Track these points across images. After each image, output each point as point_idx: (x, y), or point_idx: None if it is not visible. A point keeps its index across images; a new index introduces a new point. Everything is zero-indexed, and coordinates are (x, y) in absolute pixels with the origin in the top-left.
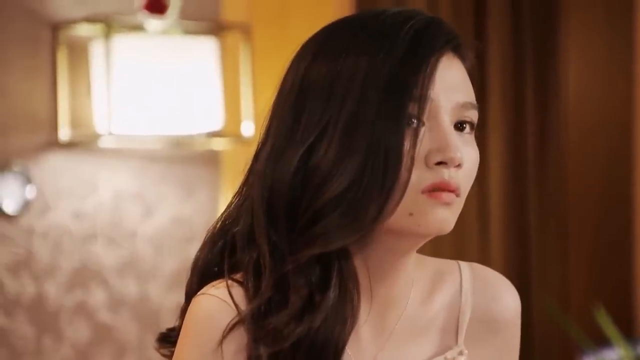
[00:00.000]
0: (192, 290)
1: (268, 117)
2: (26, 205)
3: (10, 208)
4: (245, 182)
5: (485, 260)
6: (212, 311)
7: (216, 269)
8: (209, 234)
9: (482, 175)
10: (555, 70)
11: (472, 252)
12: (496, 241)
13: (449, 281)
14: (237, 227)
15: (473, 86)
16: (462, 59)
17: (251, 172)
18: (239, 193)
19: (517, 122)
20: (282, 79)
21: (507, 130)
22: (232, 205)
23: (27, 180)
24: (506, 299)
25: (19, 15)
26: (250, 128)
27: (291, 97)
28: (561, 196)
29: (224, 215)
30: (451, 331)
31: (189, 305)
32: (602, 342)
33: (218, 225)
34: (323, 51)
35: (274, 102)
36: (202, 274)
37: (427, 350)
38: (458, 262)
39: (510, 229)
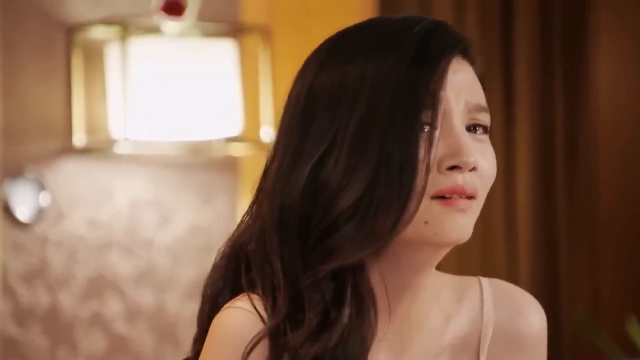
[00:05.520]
0: (204, 318)
1: (277, 132)
2: (40, 213)
3: (23, 216)
4: (256, 200)
5: (513, 271)
6: (239, 323)
7: (229, 294)
8: (220, 255)
9: (509, 184)
10: (585, 73)
11: (499, 263)
12: (524, 251)
13: (470, 298)
14: (250, 246)
15: (493, 90)
16: (471, 62)
17: (261, 189)
18: (249, 212)
19: (545, 127)
20: (289, 92)
21: (535, 136)
22: (244, 225)
23: (41, 187)
24: (531, 315)
25: (33, 17)
26: (269, 133)
27: (298, 110)
28: (591, 205)
29: (235, 235)
30: (472, 349)
31: (201, 333)
32: (634, 354)
33: (229, 245)
34: (328, 61)
35: (281, 117)
36: (214, 301)
37: None
38: (479, 278)
39: (539, 239)
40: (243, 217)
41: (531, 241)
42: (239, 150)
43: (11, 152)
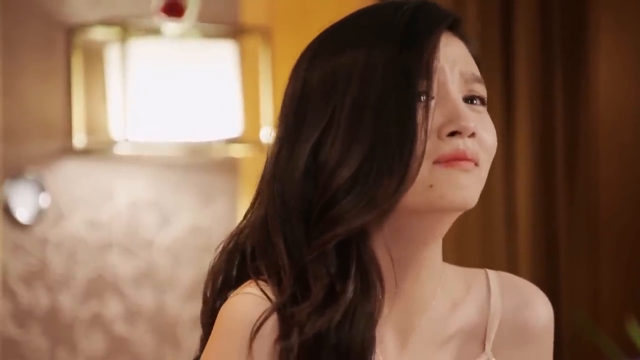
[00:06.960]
0: (209, 296)
1: (276, 125)
2: (40, 214)
3: (23, 217)
4: (259, 193)
5: (512, 271)
6: (249, 307)
7: (235, 276)
8: (221, 249)
9: (509, 182)
10: (585, 73)
11: (499, 262)
12: (524, 250)
13: (477, 288)
14: (252, 237)
15: (493, 90)
16: (463, 39)
17: (262, 179)
18: (252, 204)
19: (545, 126)
20: (285, 87)
21: (536, 135)
22: (248, 215)
23: (41, 188)
24: (538, 307)
25: (33, 17)
26: (269, 134)
27: (294, 99)
28: (591, 205)
29: (237, 229)
30: (478, 339)
31: (207, 309)
32: (634, 354)
33: (234, 234)
34: (321, 51)
35: (280, 110)
36: (216, 295)
37: (453, 358)
38: (485, 270)
39: (539, 238)
40: (248, 210)
41: (531, 240)
42: (239, 151)
43: (11, 152)
